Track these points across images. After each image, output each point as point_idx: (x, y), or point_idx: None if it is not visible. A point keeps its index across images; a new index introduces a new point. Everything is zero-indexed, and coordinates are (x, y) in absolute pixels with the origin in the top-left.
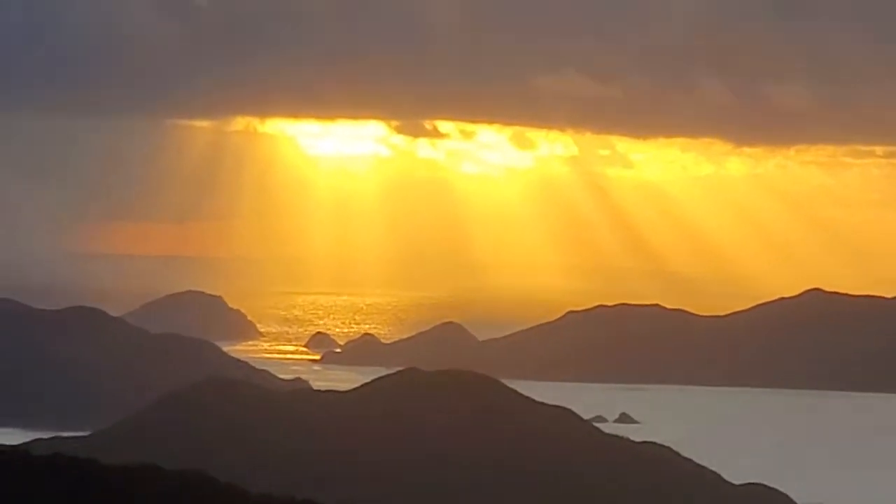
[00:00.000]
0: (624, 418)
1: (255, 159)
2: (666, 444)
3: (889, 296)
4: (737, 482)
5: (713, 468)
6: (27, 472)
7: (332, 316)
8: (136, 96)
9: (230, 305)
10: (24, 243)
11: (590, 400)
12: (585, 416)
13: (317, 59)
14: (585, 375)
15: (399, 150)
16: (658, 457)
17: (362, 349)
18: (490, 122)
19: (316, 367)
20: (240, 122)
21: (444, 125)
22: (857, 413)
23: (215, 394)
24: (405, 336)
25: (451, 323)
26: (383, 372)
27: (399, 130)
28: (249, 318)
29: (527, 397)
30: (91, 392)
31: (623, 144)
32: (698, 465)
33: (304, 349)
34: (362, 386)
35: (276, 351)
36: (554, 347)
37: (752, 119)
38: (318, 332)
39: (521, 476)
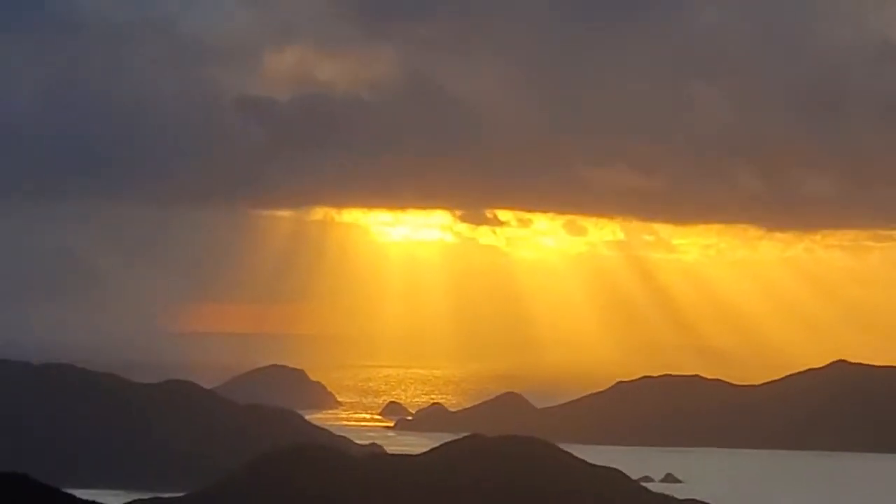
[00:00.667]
0: (669, 478)
1: (332, 246)
2: (707, 501)
3: None
4: None
5: None
6: None
7: (403, 387)
8: (225, 189)
9: (311, 378)
10: (124, 323)
11: (638, 462)
12: (634, 477)
13: (388, 154)
14: (633, 440)
15: (463, 236)
16: None
17: (431, 417)
18: (545, 211)
19: (390, 434)
20: (318, 213)
21: (503, 214)
22: (882, 474)
23: (299, 458)
24: (470, 405)
25: (511, 393)
26: (451, 438)
27: (462, 219)
28: (329, 389)
29: (581, 459)
30: (186, 458)
31: (665, 231)
32: None
33: (379, 417)
34: (432, 450)
35: (354, 419)
36: (605, 415)
37: (781, 206)
38: (392, 402)
39: None
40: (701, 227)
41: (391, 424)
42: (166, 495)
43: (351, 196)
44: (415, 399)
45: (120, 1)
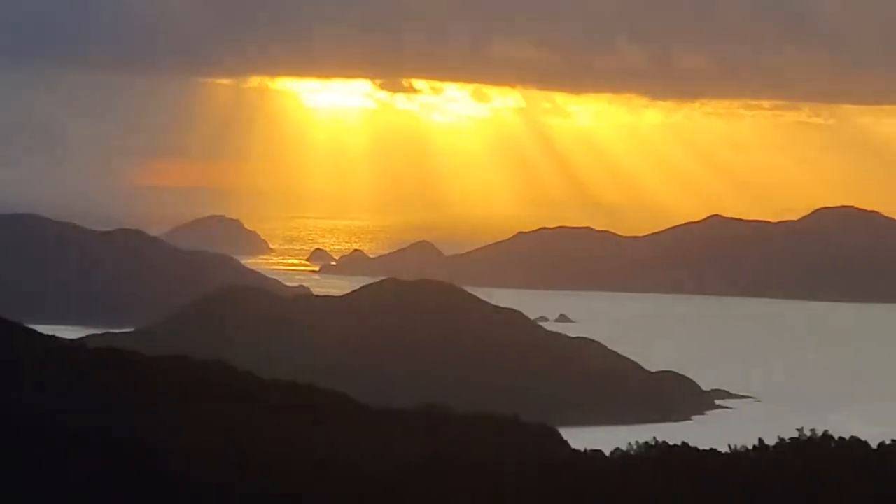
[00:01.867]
0: (562, 318)
1: (266, 110)
2: (596, 339)
3: (775, 220)
4: (652, 370)
5: (633, 359)
6: (83, 362)
7: (328, 235)
8: (171, 59)
9: (247, 227)
10: (80, 178)
11: (535, 304)
12: (531, 317)
13: (316, 29)
14: (531, 284)
15: (382, 103)
16: (589, 350)
17: (353, 262)
18: (455, 80)
19: (316, 277)
20: (254, 81)
21: (418, 83)
22: (749, 315)
23: (236, 298)
24: (387, 252)
25: (423, 242)
26: (369, 281)
27: (382, 87)
28: (262, 237)
29: (485, 301)
30: (135, 297)
31: (561, 98)
32: (621, 356)
33: (307, 262)
34: (353, 292)
35: (284, 264)
36: (506, 262)
37: (664, 78)
38: (318, 249)
39: (479, 364)
40: (593, 96)
41: (317, 269)
42: (118, 330)
43: (283, 66)
44: (338, 246)
45: None
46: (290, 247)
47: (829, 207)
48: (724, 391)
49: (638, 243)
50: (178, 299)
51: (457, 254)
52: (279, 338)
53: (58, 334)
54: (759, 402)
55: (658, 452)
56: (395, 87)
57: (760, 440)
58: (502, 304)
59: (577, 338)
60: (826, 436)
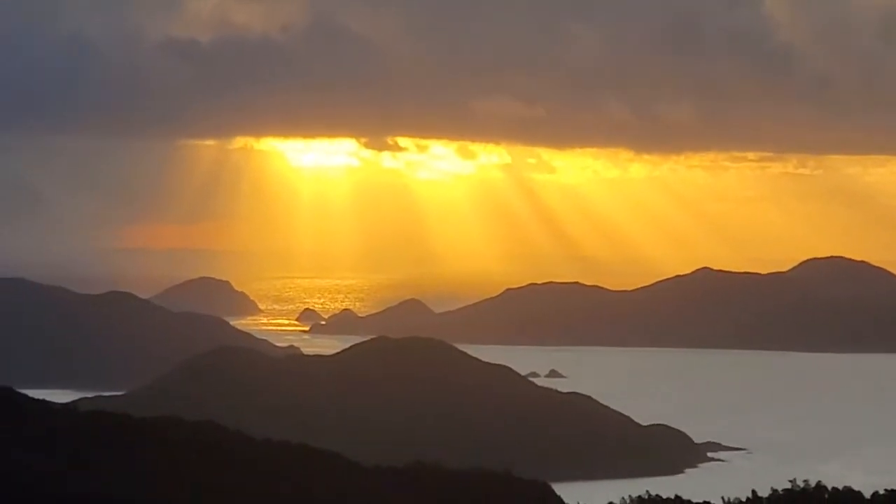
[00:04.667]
0: (553, 374)
1: (252, 171)
2: (587, 394)
3: (763, 272)
4: (644, 423)
5: (625, 412)
6: (75, 424)
7: (317, 295)
8: (155, 122)
9: (236, 288)
10: (67, 242)
11: (525, 360)
12: (522, 373)
13: (300, 89)
14: (521, 340)
15: (367, 161)
16: (580, 404)
17: (342, 321)
18: (439, 137)
19: (305, 337)
20: (239, 142)
21: (403, 140)
22: (740, 367)
23: (226, 359)
24: (376, 310)
25: (412, 300)
26: (359, 339)
27: (367, 146)
28: (251, 298)
29: (475, 358)
30: (125, 360)
31: (546, 154)
32: (613, 410)
33: (296, 322)
34: (342, 351)
35: (274, 324)
36: (495, 318)
37: (649, 132)
38: (307, 309)
39: (470, 420)
40: (578, 151)
41: (307, 328)
42: (109, 394)
43: (267, 126)
44: (327, 306)
45: None
46: (279, 307)
47: (817, 258)
48: (716, 443)
49: (627, 297)
50: (168, 361)
51: (446, 311)
52: (270, 398)
53: (48, 398)
54: (751, 453)
55: None
56: (380, 146)
57: (754, 492)
58: (493, 361)
59: (569, 393)
60: (819, 486)
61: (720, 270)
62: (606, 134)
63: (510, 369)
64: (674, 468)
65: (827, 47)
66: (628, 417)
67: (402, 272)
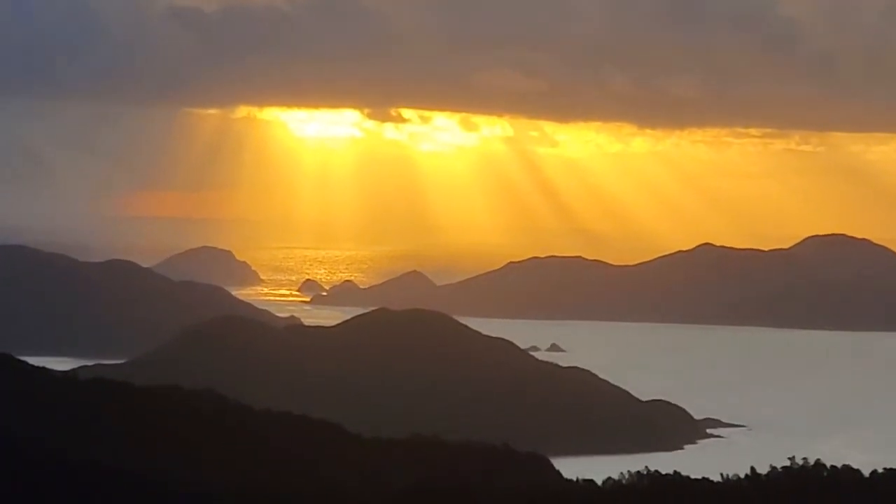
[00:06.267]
0: (554, 348)
1: (255, 140)
2: (587, 368)
3: (765, 248)
4: (644, 399)
5: (625, 387)
6: (76, 393)
7: (318, 266)
8: (160, 90)
9: (237, 258)
10: (70, 209)
11: (526, 333)
12: (522, 346)
13: (304, 59)
14: (522, 313)
15: (370, 132)
16: (580, 379)
17: (343, 293)
18: (442, 109)
19: (306, 308)
20: (242, 111)
21: (406, 112)
22: (741, 343)
23: (227, 329)
24: (378, 282)
25: (414, 272)
26: (360, 311)
27: (370, 117)
28: (253, 267)
29: (476, 331)
30: (126, 328)
31: (549, 127)
32: (613, 385)
33: (297, 293)
34: (343, 322)
35: (275, 294)
36: (497, 291)
37: (652, 106)
38: (308, 279)
39: (470, 393)
40: (581, 125)
41: (308, 299)
42: (109, 362)
43: (271, 96)
44: (328, 277)
45: None
46: (281, 277)
47: (819, 235)
48: (715, 420)
49: (629, 272)
50: (169, 330)
51: (448, 283)
52: (271, 368)
53: (49, 366)
54: (750, 430)
55: (650, 481)
56: (383, 117)
57: (753, 469)
58: (493, 334)
59: (569, 367)
60: (818, 464)
61: (722, 246)
62: (609, 108)
63: (510, 343)
64: (673, 444)
65: (831, 24)
66: (628, 392)
67: (404, 244)
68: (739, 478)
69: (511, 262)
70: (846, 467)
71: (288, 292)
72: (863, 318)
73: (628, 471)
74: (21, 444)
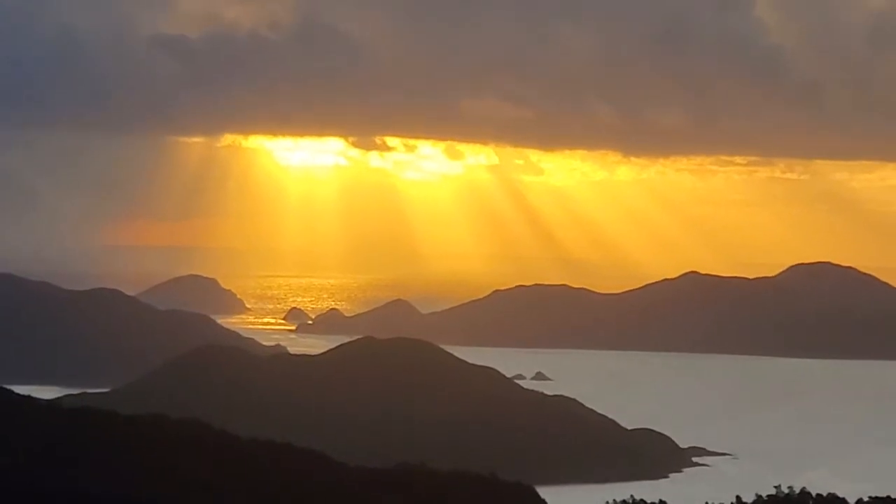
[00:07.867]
0: (539, 376)
1: (240, 169)
2: (573, 396)
3: (750, 276)
4: (629, 427)
5: (610, 416)
6: (60, 422)
7: (304, 294)
8: (144, 118)
9: (223, 286)
10: (55, 238)
11: (511, 362)
12: (508, 375)
13: (289, 87)
14: (508, 342)
15: (355, 161)
16: (566, 407)
17: (329, 321)
18: (427, 137)
19: (292, 336)
20: (227, 139)
21: (391, 140)
22: (727, 372)
23: (212, 357)
24: (363, 310)
25: (399, 300)
26: (346, 339)
27: (355, 145)
28: (239, 296)
29: (461, 359)
30: (112, 357)
31: (535, 155)
32: (599, 413)
33: (283, 321)
34: (329, 351)
35: (261, 323)
36: (482, 319)
37: (637, 135)
38: (294, 308)
39: (456, 422)
40: (566, 153)
41: (293, 328)
42: (94, 391)
43: (256, 124)
44: (314, 305)
45: None
46: (266, 305)
47: (805, 263)
48: (701, 448)
49: (614, 300)
50: (154, 358)
51: (433, 312)
52: (257, 397)
53: (33, 394)
54: (736, 458)
55: None
56: (368, 145)
57: (738, 498)
58: (479, 363)
59: (555, 395)
60: (804, 492)
61: (707, 274)
62: (594, 136)
63: (496, 371)
64: (659, 473)
65: (816, 52)
66: (614, 421)
67: (390, 272)
68: None
69: (496, 291)
70: (832, 496)
71: (273, 320)
72: (849, 347)
73: (614, 500)
74: (3, 473)
